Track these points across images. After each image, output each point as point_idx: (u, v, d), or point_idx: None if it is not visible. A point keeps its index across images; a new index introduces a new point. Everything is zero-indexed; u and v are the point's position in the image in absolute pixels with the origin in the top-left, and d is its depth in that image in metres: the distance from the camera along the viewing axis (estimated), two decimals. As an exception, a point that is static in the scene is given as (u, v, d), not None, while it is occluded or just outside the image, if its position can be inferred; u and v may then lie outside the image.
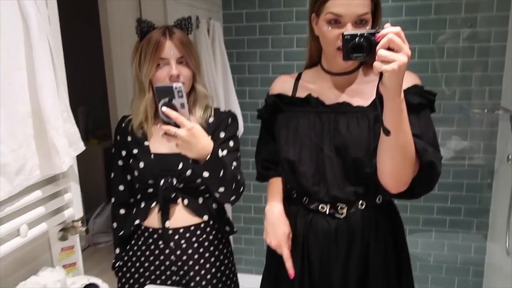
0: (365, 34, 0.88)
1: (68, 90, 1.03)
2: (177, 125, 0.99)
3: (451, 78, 2.33)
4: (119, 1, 1.75)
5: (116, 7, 1.74)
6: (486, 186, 2.38)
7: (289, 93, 1.21)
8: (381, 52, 0.84)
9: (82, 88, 3.49)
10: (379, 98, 0.91)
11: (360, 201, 1.14)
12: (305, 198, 1.18)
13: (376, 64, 0.85)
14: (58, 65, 0.97)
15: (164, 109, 0.99)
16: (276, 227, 1.19)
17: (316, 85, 1.18)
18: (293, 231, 1.20)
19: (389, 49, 0.84)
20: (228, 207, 2.67)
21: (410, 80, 1.08)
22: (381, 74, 0.86)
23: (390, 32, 0.83)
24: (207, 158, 1.04)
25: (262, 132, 1.32)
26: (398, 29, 0.84)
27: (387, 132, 0.91)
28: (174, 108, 0.99)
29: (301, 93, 1.19)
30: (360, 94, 1.13)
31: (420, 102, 1.06)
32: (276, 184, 1.27)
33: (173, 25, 1.25)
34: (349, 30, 1.02)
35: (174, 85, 0.99)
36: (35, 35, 0.89)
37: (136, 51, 1.23)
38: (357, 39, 0.88)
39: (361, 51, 0.89)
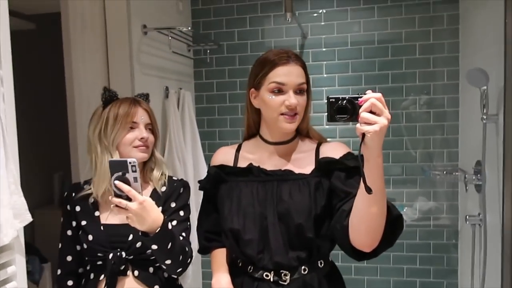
0: (348, 98, 0.93)
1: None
2: (128, 198, 1.03)
3: (412, 141, 2.44)
4: (87, 73, 1.84)
5: (84, 79, 1.82)
6: (452, 247, 2.40)
7: (231, 163, 1.27)
8: (364, 114, 0.88)
9: (59, 155, 3.53)
10: (360, 159, 0.95)
11: (303, 267, 1.16)
12: (249, 267, 1.19)
13: (359, 126, 0.90)
14: (9, 140, 1.02)
15: (117, 182, 1.03)
16: None
17: (256, 155, 1.25)
18: None
19: (371, 112, 0.89)
20: (198, 271, 2.63)
21: (342, 150, 1.17)
22: (363, 136, 0.91)
23: (372, 97, 0.89)
24: (157, 231, 1.06)
25: (204, 203, 1.34)
26: (379, 95, 0.89)
27: (370, 191, 0.92)
28: (126, 181, 1.04)
29: (242, 163, 1.25)
30: (299, 163, 1.20)
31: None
32: (219, 256, 1.28)
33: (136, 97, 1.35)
34: (291, 97, 1.13)
35: (129, 160, 1.04)
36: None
37: (99, 118, 1.29)
38: (340, 101, 0.93)
39: (345, 113, 0.93)
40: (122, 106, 1.27)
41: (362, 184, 0.94)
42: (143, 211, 1.03)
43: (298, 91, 1.15)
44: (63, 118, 2.00)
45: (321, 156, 1.19)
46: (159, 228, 1.06)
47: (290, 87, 1.14)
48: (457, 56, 2.34)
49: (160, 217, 1.08)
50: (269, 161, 1.23)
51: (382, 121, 0.88)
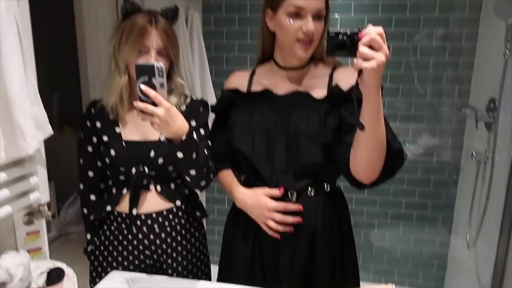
0: (349, 33, 0.90)
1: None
2: (154, 104, 1.00)
3: (423, 76, 2.39)
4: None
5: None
6: (452, 182, 2.46)
7: (244, 88, 1.25)
8: (362, 49, 0.86)
9: (57, 76, 3.42)
10: (355, 95, 0.94)
11: (309, 189, 1.19)
12: (259, 184, 1.21)
13: (357, 61, 0.88)
14: (26, 47, 0.96)
15: (143, 87, 0.99)
16: (260, 205, 1.16)
17: (270, 80, 1.23)
18: (246, 215, 1.22)
19: (370, 47, 0.87)
20: (201, 196, 2.68)
21: (354, 78, 1.13)
22: (360, 71, 0.89)
23: (373, 31, 0.86)
24: (183, 138, 1.05)
25: (215, 126, 1.33)
26: (380, 29, 0.86)
27: (362, 128, 0.94)
28: (153, 87, 1.00)
29: (255, 88, 1.24)
30: (312, 87, 1.19)
31: None
32: (230, 174, 1.29)
33: (159, 13, 1.24)
34: (309, 22, 1.09)
35: (156, 64, 1.00)
36: (2, 16, 0.88)
37: (117, 31, 1.21)
38: (341, 37, 0.91)
39: (344, 48, 0.91)
40: (136, 25, 1.17)
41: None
42: (169, 118, 1.00)
43: (316, 16, 1.10)
44: (63, 39, 1.89)
45: (334, 81, 1.17)
46: (185, 136, 1.05)
47: (309, 11, 1.08)
48: (481, -14, 2.22)
49: (186, 126, 1.06)
50: (283, 86, 1.22)
51: (380, 57, 0.85)
